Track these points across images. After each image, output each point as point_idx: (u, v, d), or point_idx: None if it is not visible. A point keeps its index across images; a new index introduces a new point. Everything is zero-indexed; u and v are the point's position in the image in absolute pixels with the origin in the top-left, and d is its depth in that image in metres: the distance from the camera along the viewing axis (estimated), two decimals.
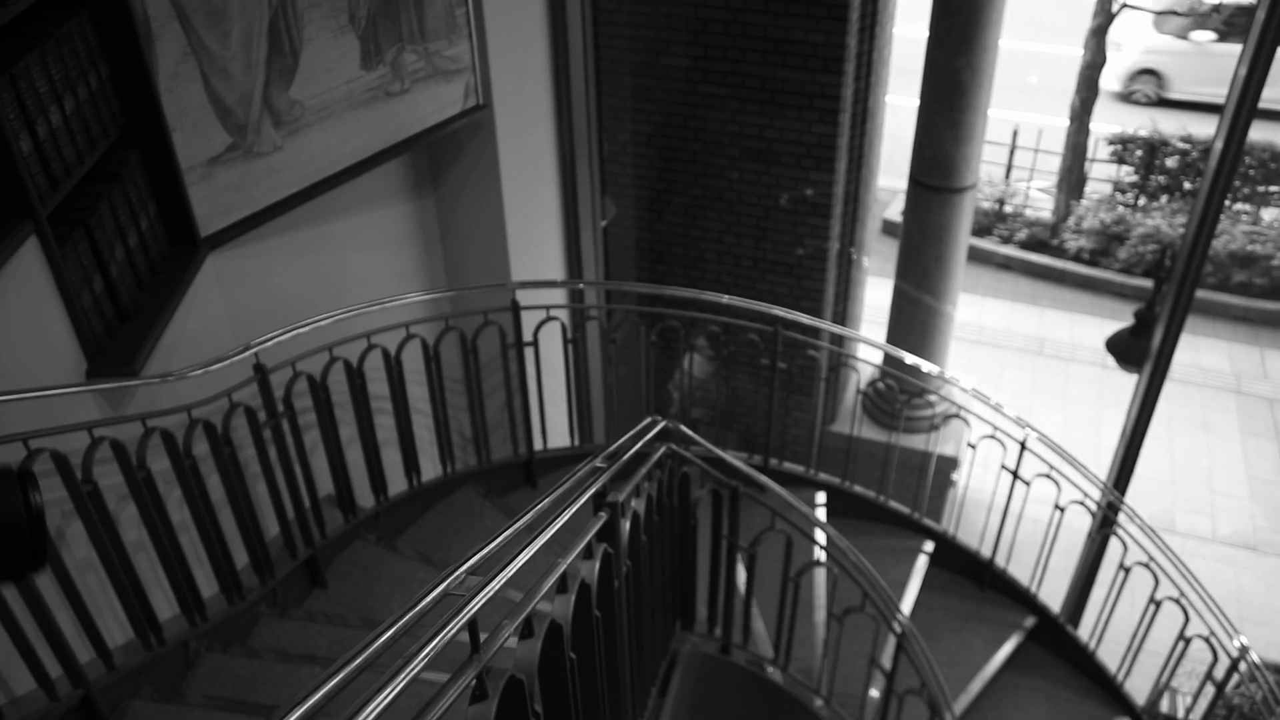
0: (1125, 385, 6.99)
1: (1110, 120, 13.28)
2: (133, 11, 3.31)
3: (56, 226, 3.10)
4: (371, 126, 4.39)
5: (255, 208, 4.00)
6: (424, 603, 1.30)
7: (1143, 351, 5.59)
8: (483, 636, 1.49)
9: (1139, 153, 12.73)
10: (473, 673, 1.36)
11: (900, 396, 6.32)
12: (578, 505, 1.91)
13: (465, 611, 1.32)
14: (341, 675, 1.11)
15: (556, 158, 5.58)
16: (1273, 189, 12.42)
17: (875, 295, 9.36)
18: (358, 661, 1.14)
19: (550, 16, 5.20)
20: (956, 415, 5.51)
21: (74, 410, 3.16)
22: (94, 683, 3.21)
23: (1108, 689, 5.05)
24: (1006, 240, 12.56)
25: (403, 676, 1.16)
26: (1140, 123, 12.82)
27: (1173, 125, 12.72)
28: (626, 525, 2.39)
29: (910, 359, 5.57)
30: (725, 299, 5.10)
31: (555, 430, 5.43)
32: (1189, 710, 5.12)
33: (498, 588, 1.43)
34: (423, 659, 1.20)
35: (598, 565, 2.05)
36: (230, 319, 4.09)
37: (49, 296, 3.06)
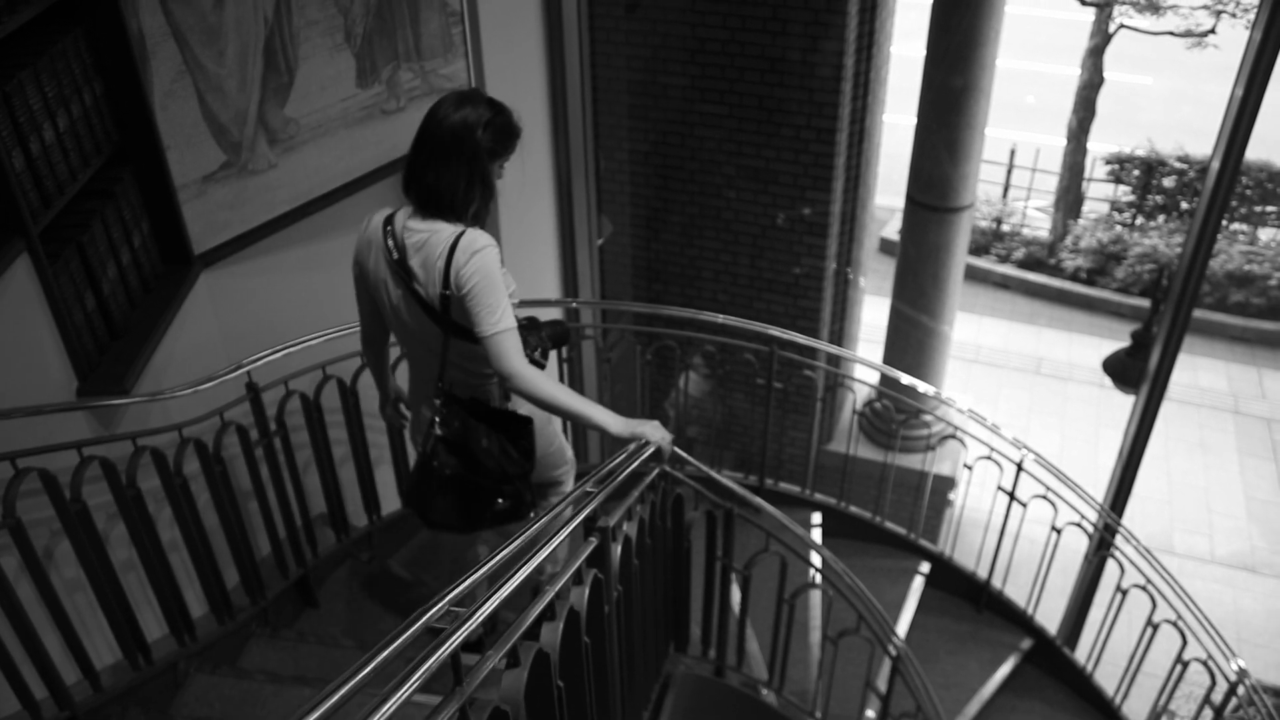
0: (1123, 404, 7.02)
1: (1107, 140, 13.31)
2: (127, 29, 3.30)
3: (48, 244, 3.08)
4: (367, 144, 4.38)
5: (249, 225, 3.99)
6: (402, 639, 1.28)
7: (1140, 372, 5.57)
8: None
9: (1136, 172, 12.76)
10: (455, 705, 1.34)
11: (897, 416, 6.30)
12: (565, 534, 1.89)
13: (446, 645, 1.30)
14: (318, 714, 1.09)
15: (553, 176, 5.57)
16: (1269, 209, 12.45)
17: (872, 314, 9.36)
18: (331, 703, 1.11)
19: (547, 35, 5.20)
20: (953, 435, 5.49)
21: (64, 429, 3.14)
22: (81, 704, 3.18)
23: (1105, 712, 5.02)
24: (1004, 259, 12.58)
25: (382, 714, 1.13)
26: (1137, 142, 12.86)
27: (1169, 145, 12.75)
28: (618, 550, 2.37)
29: (907, 379, 5.55)
30: (721, 319, 5.08)
31: None
32: None
33: (482, 619, 1.41)
34: (401, 696, 1.18)
35: (587, 591, 2.03)
36: (223, 337, 4.07)
37: (40, 314, 3.04)
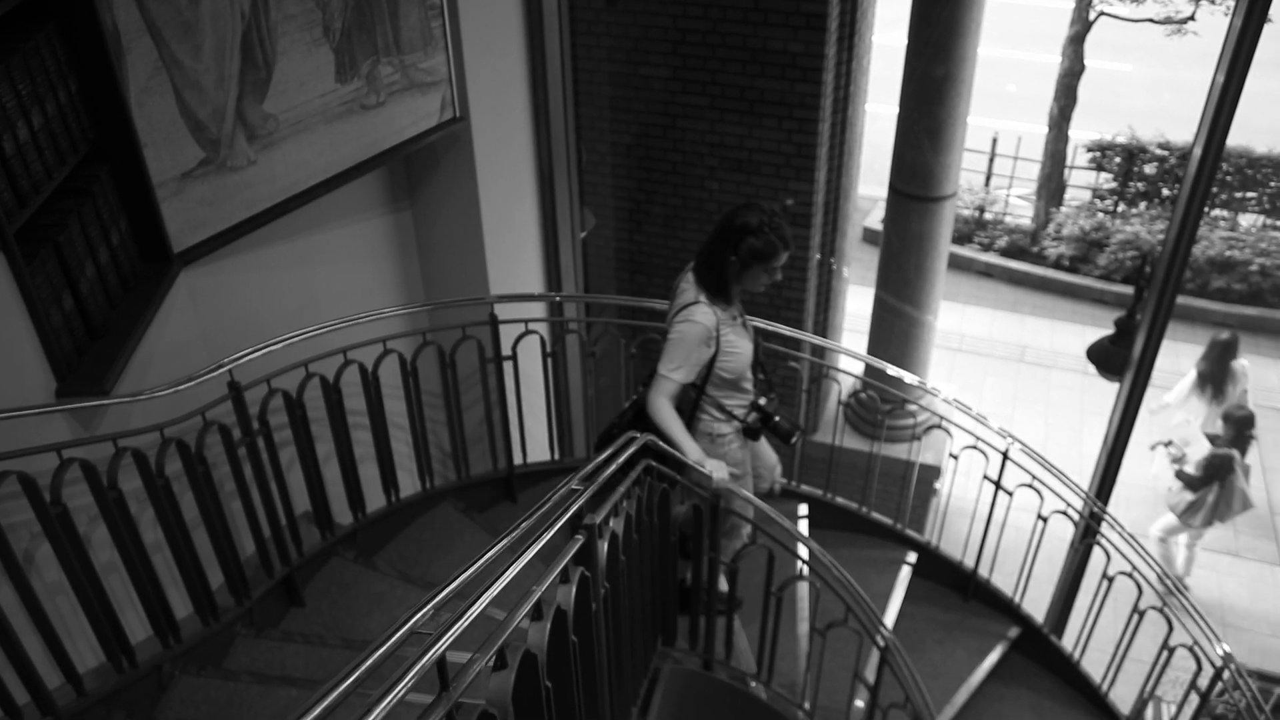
0: (1107, 391, 7.06)
1: (1089, 127, 13.34)
2: (102, 25, 3.25)
3: (24, 244, 3.05)
4: (347, 140, 4.34)
5: (229, 223, 3.95)
6: (389, 644, 1.26)
7: (1123, 360, 5.58)
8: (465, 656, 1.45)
9: (1118, 159, 12.79)
10: (442, 710, 1.32)
11: (882, 406, 6.30)
12: (551, 533, 1.87)
13: (434, 650, 1.28)
14: None
15: (534, 169, 5.54)
16: (1249, 195, 12.50)
17: (856, 304, 9.36)
18: (315, 713, 1.10)
19: (527, 27, 5.17)
20: (938, 425, 5.49)
21: (43, 431, 3.11)
22: (64, 709, 3.15)
23: (1092, 699, 5.04)
24: (987, 248, 12.60)
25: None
26: (1118, 129, 12.89)
27: (1150, 132, 12.78)
28: (604, 547, 2.35)
29: (892, 370, 5.55)
30: None
31: (535, 444, 5.39)
32: (1174, 719, 5.12)
33: (467, 624, 1.39)
34: (389, 702, 1.16)
35: (574, 590, 2.01)
36: (204, 336, 4.04)
37: (17, 315, 3.01)
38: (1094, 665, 5.10)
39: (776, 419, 3.83)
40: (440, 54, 4.63)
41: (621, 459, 2.72)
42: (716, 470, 3.51)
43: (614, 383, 5.59)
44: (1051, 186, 12.61)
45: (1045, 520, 4.97)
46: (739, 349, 3.70)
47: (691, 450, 3.56)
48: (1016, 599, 5.26)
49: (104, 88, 3.37)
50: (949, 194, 7.18)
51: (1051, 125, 12.36)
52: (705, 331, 3.57)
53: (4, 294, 2.94)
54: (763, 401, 3.85)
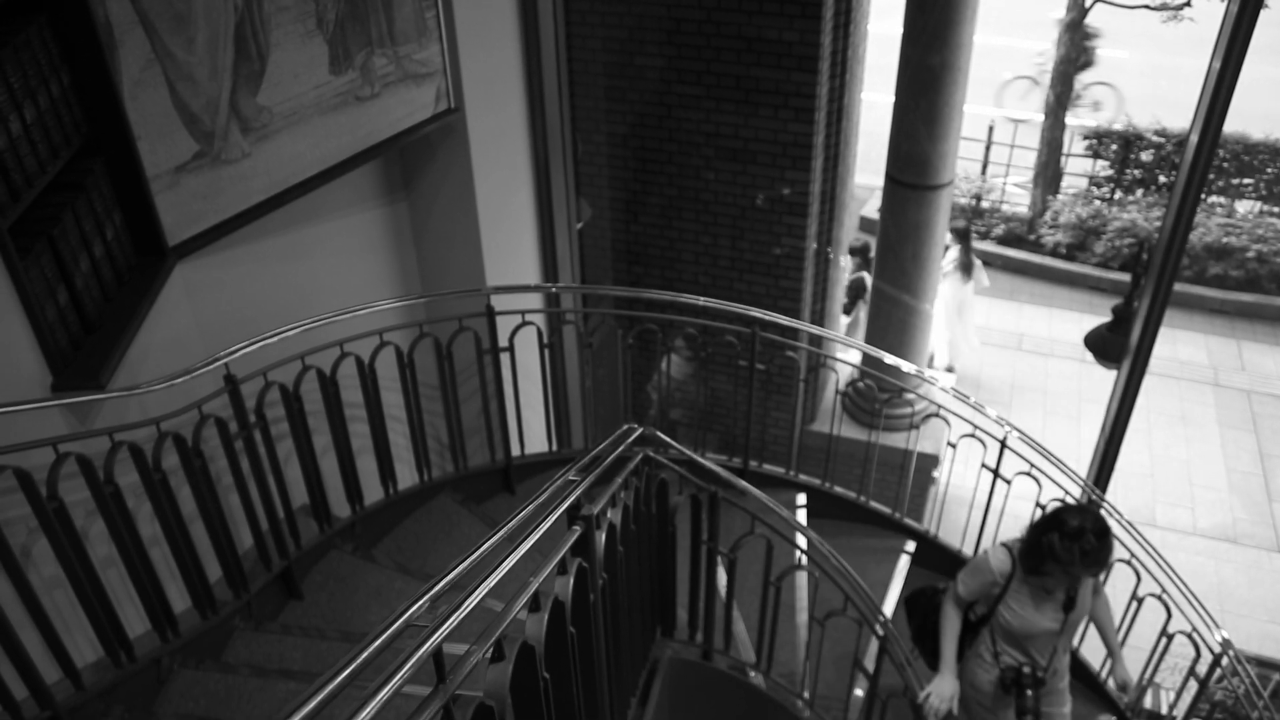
0: (1105, 378, 7.07)
1: (1085, 114, 13.31)
2: (94, 18, 3.24)
3: (18, 238, 3.04)
4: (341, 131, 4.33)
5: (224, 216, 3.94)
6: (384, 636, 1.26)
7: (1121, 347, 5.58)
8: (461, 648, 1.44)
9: (1114, 147, 12.77)
10: (439, 703, 1.32)
11: (880, 395, 6.30)
12: (546, 525, 1.87)
13: (430, 642, 1.28)
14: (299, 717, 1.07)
15: (530, 160, 5.53)
16: (1246, 181, 12.49)
17: None
18: (310, 707, 1.09)
19: (522, 17, 5.15)
20: (936, 414, 5.49)
21: (39, 426, 3.10)
22: (62, 704, 3.14)
23: (1091, 686, 5.04)
24: (984, 236, 12.58)
25: (364, 716, 1.11)
26: (1115, 116, 12.87)
27: (1146, 119, 12.76)
28: (602, 538, 2.35)
29: (889, 358, 5.55)
30: (702, 301, 5.06)
31: (533, 435, 5.38)
32: (1172, 706, 5.13)
33: (462, 617, 1.39)
34: (385, 695, 1.16)
35: (572, 581, 2.00)
36: (200, 329, 4.03)
37: (11, 309, 3.00)
38: (1093, 653, 5.10)
39: (1029, 693, 3.85)
40: (434, 45, 4.61)
41: (621, 446, 2.69)
42: (936, 691, 3.70)
43: (611, 373, 5.58)
44: (1048, 174, 12.60)
45: (1044, 508, 4.96)
46: (1020, 616, 3.78)
47: (946, 662, 3.82)
48: None
49: (96, 81, 3.35)
50: (946, 182, 7.16)
51: (1048, 113, 12.34)
52: (990, 572, 3.81)
53: None
54: (1027, 670, 3.86)
